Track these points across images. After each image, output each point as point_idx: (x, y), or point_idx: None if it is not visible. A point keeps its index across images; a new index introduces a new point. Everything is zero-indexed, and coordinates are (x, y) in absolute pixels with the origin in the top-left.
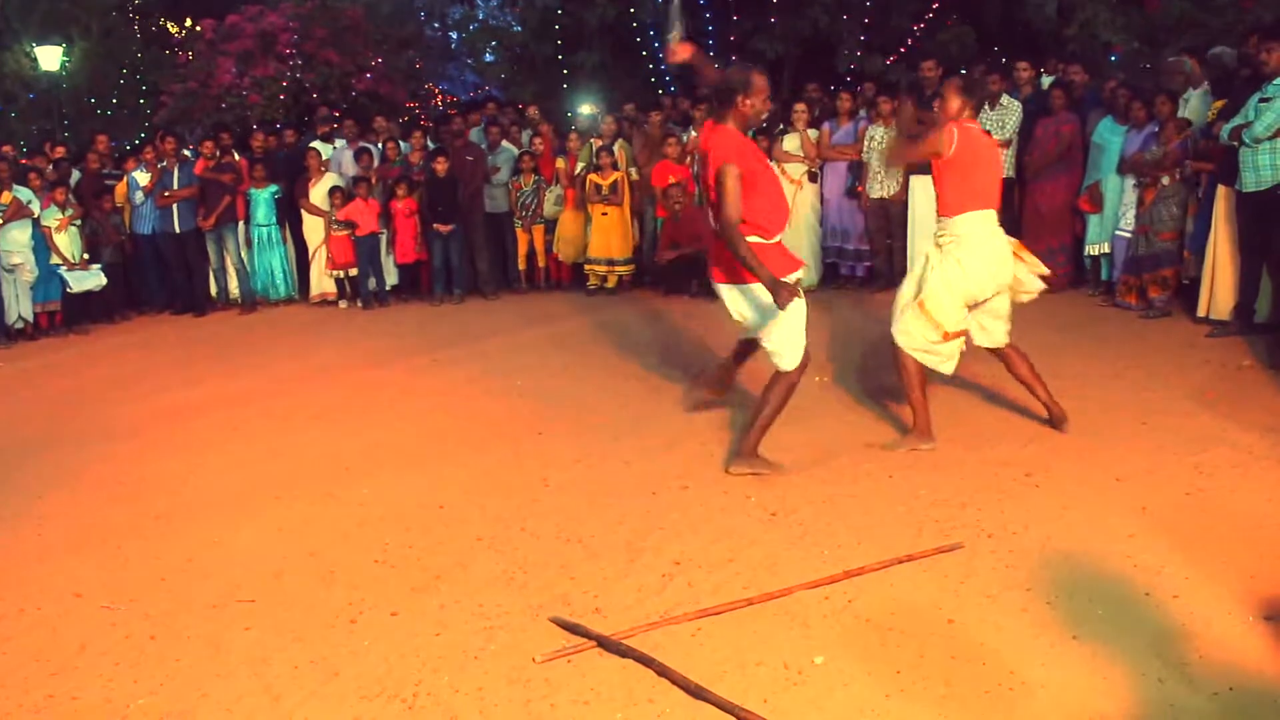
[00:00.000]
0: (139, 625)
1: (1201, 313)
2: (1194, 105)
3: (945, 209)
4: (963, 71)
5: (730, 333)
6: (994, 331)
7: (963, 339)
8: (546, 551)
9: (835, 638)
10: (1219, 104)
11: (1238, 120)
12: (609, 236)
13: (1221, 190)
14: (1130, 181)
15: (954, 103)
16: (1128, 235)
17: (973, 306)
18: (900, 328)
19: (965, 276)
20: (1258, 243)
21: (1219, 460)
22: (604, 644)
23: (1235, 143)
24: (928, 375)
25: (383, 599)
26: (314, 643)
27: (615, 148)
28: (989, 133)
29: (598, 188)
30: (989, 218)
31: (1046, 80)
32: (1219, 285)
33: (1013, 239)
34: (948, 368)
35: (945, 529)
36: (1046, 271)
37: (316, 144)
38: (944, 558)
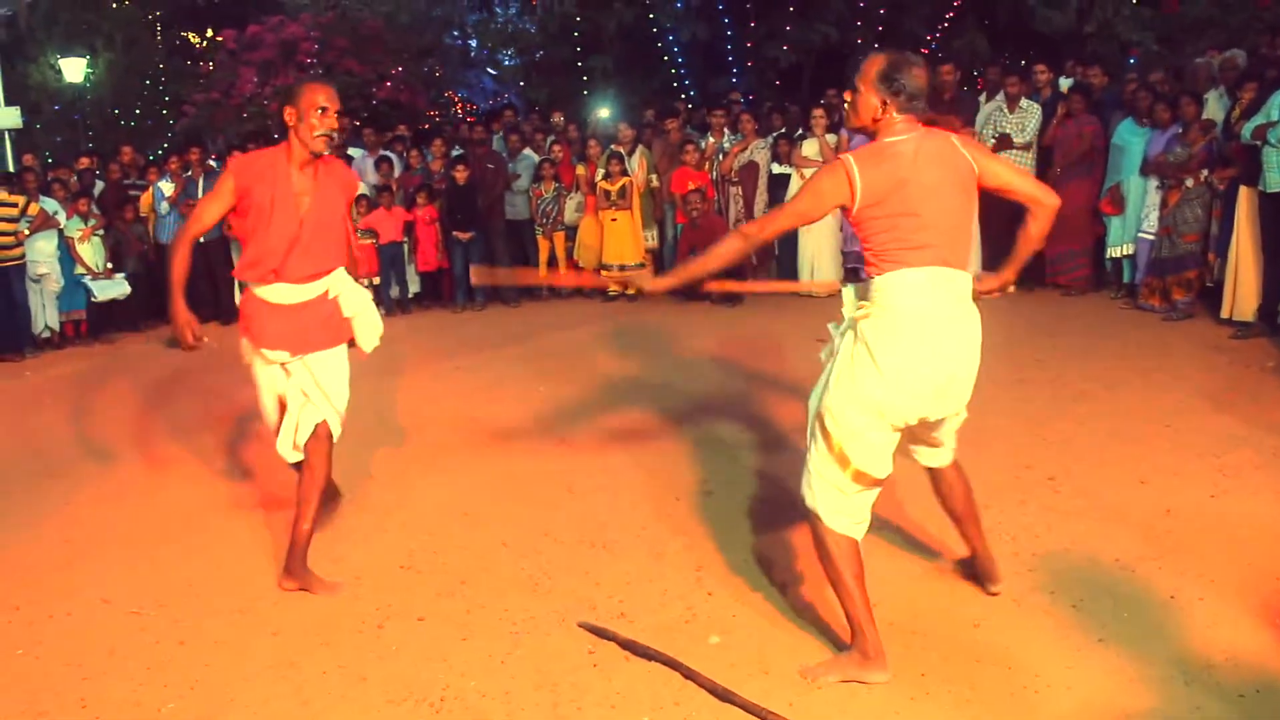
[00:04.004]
0: (168, 630)
1: (1225, 314)
2: (1212, 107)
3: (866, 264)
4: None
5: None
6: (938, 453)
7: (875, 492)
8: (571, 557)
9: None
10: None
11: (1259, 119)
12: (620, 242)
13: (1244, 191)
14: (1153, 183)
15: (867, 101)
16: (1151, 237)
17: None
18: (806, 473)
19: (880, 377)
20: None
21: (1243, 462)
22: (631, 648)
23: (1259, 142)
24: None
25: (409, 604)
26: (341, 648)
27: (636, 154)
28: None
29: (606, 193)
30: (933, 280)
31: (1065, 83)
32: (1242, 287)
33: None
34: (858, 531)
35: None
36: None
37: (350, 150)
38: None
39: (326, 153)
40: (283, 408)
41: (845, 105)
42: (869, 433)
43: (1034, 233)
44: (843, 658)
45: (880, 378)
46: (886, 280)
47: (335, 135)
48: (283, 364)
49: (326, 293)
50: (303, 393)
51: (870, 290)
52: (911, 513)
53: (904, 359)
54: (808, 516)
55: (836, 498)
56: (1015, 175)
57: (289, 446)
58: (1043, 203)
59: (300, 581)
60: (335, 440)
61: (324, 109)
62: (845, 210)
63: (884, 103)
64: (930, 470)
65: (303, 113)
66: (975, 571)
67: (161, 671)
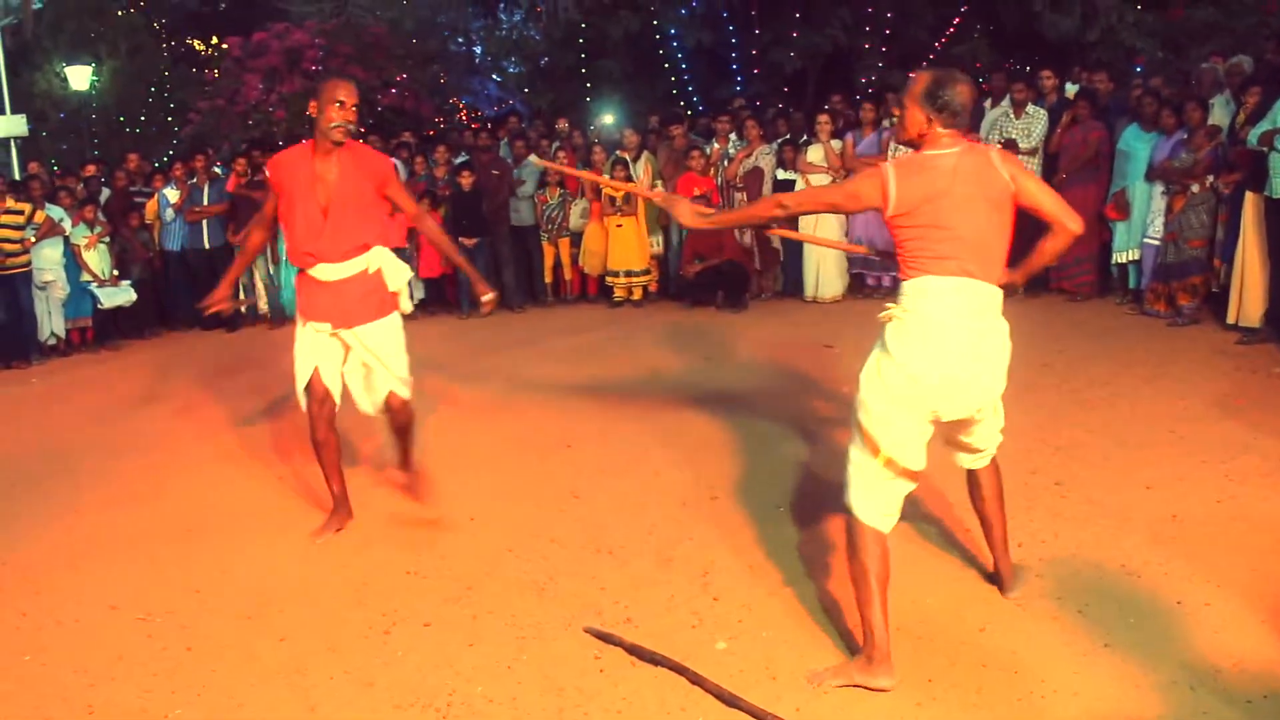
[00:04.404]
0: (175, 636)
1: (1231, 320)
2: (1217, 112)
3: (899, 269)
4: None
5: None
6: (975, 459)
7: (906, 485)
8: (576, 562)
9: None
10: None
11: (1266, 125)
12: (626, 248)
13: (1250, 197)
14: (1158, 189)
15: (914, 116)
16: (1156, 243)
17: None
18: (845, 468)
19: (895, 372)
20: None
21: (1249, 468)
22: (637, 653)
23: (1265, 148)
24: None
25: (415, 610)
26: (348, 653)
27: (641, 160)
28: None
29: (611, 199)
30: (956, 290)
31: (1072, 88)
32: (1248, 292)
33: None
34: (885, 523)
35: (975, 536)
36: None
37: None
38: (976, 567)
39: (343, 141)
40: (317, 377)
41: (895, 120)
42: (894, 420)
43: (1049, 249)
44: (849, 663)
45: (895, 372)
46: (912, 286)
47: (351, 126)
48: (334, 335)
49: (367, 269)
50: (364, 365)
51: (899, 293)
52: (923, 519)
53: (914, 360)
54: (846, 513)
55: (868, 486)
56: (1046, 196)
57: (367, 407)
58: (1066, 227)
59: (410, 484)
60: (410, 399)
61: (341, 102)
62: (880, 213)
63: (929, 118)
64: (967, 470)
65: (322, 106)
66: (993, 576)
67: (168, 678)
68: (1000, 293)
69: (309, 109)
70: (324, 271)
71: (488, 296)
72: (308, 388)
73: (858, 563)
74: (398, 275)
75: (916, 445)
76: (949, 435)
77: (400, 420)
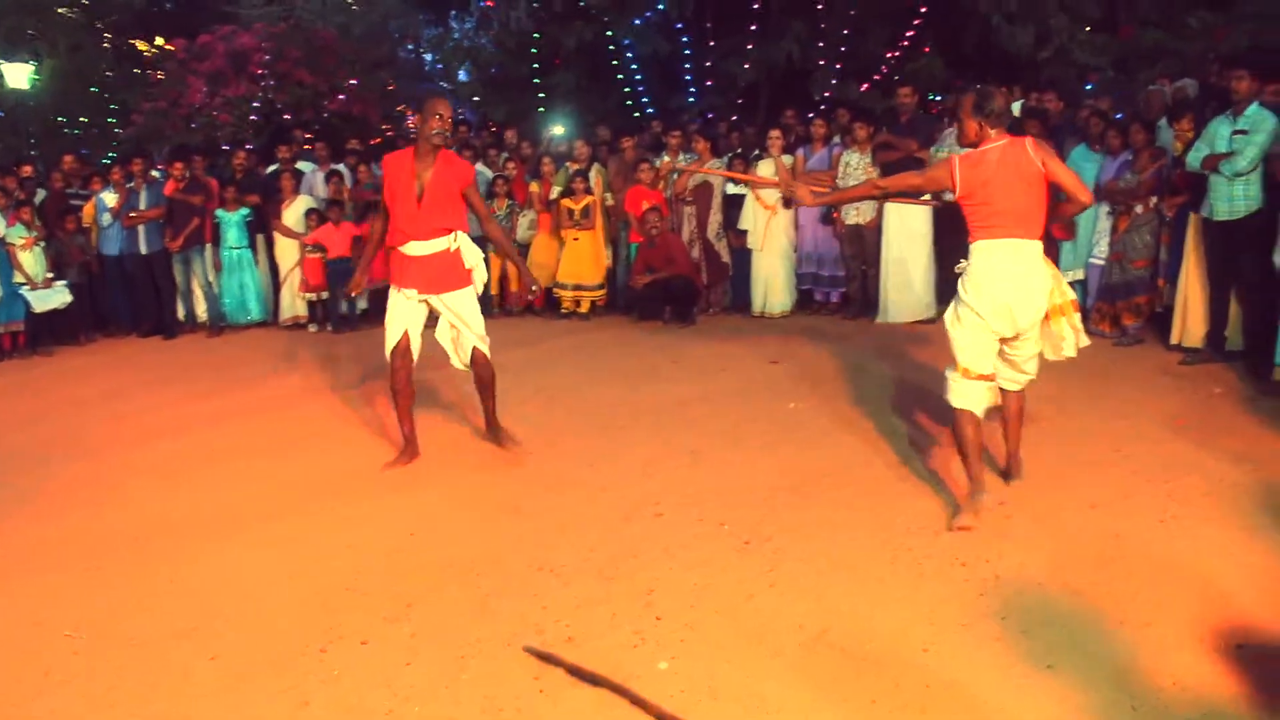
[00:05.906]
0: (108, 653)
1: (1174, 340)
2: (1163, 134)
3: (968, 234)
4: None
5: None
6: (1016, 378)
7: (982, 385)
8: (518, 579)
9: (810, 666)
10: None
11: (1204, 148)
12: (580, 261)
13: (1193, 218)
14: (1104, 209)
15: (969, 125)
16: (1101, 263)
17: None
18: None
19: (966, 299)
20: (1227, 270)
21: (1191, 488)
22: (578, 673)
23: (1208, 170)
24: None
25: (354, 627)
26: (284, 671)
27: (592, 172)
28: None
29: (570, 212)
30: (998, 247)
31: (1016, 106)
32: (1191, 313)
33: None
34: (972, 405)
35: (919, 556)
36: (1083, 342)
37: (300, 164)
38: (920, 587)
39: (440, 145)
40: (406, 337)
41: (956, 132)
42: (967, 341)
43: (1065, 209)
44: (956, 515)
45: (964, 306)
46: (973, 246)
47: (446, 134)
48: (425, 302)
49: (449, 248)
50: (451, 325)
51: (969, 252)
52: (867, 541)
53: (974, 292)
54: (949, 407)
55: (958, 386)
56: (1066, 175)
57: (458, 363)
58: (1076, 197)
59: (496, 439)
60: (489, 354)
61: (439, 115)
62: (953, 193)
63: (980, 124)
64: (1003, 392)
65: (426, 118)
66: (1002, 470)
67: (105, 693)
68: (1039, 245)
69: (414, 120)
70: (413, 248)
71: (536, 288)
72: (395, 346)
73: (960, 436)
74: (472, 255)
75: (984, 357)
76: (1004, 354)
77: (484, 374)
